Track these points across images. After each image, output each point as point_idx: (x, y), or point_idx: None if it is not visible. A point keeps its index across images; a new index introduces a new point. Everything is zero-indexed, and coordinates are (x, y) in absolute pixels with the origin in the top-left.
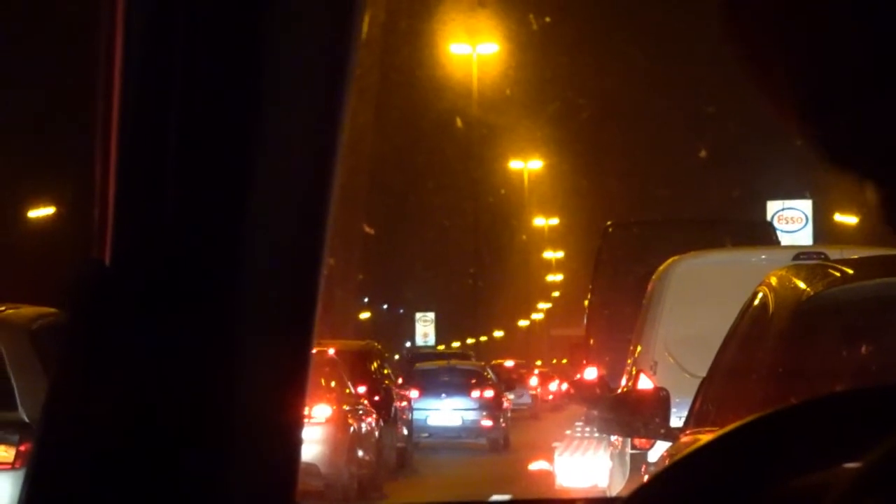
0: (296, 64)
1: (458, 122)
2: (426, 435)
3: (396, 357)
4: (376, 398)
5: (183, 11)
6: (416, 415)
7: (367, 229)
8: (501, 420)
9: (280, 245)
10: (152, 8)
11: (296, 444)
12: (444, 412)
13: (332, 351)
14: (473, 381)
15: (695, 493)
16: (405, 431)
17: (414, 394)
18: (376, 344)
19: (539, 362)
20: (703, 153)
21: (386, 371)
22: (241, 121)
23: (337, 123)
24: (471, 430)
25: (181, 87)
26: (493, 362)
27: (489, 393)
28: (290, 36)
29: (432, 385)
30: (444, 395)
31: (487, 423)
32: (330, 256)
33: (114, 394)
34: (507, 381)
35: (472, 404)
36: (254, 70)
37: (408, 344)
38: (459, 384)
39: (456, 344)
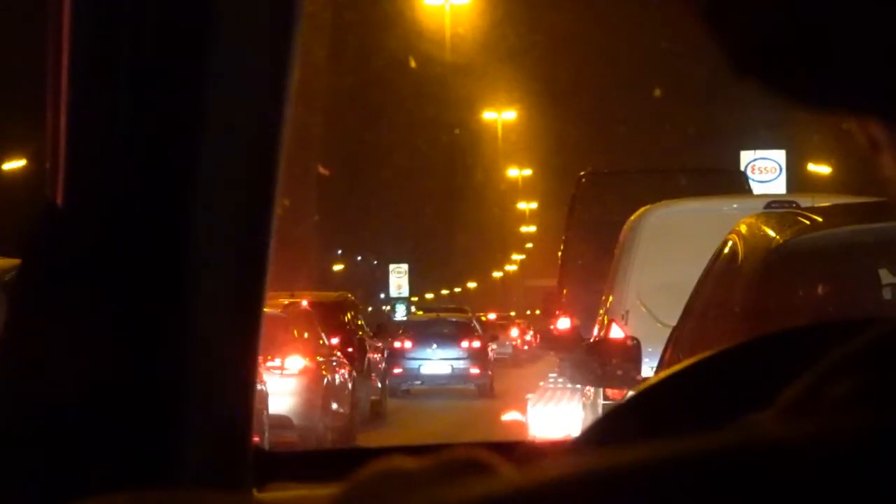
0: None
1: (412, 63)
2: (419, 382)
3: (370, 309)
4: (350, 350)
5: None
6: (410, 364)
7: (323, 170)
8: (487, 368)
9: (232, 183)
10: None
11: (250, 390)
12: (435, 361)
13: (305, 302)
14: (461, 332)
15: (641, 429)
16: (379, 384)
17: (408, 344)
18: (350, 295)
19: (513, 313)
20: (657, 92)
21: (360, 322)
22: (192, 58)
23: (287, 60)
24: (459, 377)
25: (131, 25)
26: (477, 314)
27: (476, 343)
28: None
29: (424, 336)
30: (434, 345)
31: (475, 370)
32: (285, 197)
33: (65, 338)
34: (491, 333)
35: (460, 353)
36: (202, 7)
37: (382, 295)
38: (449, 335)
39: (430, 296)
